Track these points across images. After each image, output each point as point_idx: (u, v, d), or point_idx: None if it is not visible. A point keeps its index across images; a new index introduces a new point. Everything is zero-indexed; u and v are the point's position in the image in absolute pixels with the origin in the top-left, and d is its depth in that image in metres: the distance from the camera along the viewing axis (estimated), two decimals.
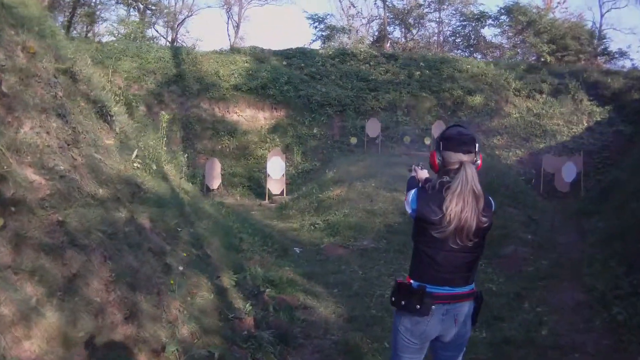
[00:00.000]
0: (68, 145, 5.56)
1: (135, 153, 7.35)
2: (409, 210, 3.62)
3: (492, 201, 3.65)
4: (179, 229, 6.81)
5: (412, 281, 3.59)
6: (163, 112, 11.43)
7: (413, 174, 4.29)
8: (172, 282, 5.30)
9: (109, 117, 7.28)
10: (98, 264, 4.60)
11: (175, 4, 39.95)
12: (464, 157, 3.48)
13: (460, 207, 3.36)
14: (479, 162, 3.57)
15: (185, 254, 6.35)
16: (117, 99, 9.06)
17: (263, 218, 14.68)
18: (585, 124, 22.39)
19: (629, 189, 11.43)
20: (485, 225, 3.50)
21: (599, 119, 22.43)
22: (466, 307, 3.63)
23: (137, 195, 6.42)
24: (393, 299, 3.61)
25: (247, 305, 6.41)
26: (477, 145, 3.57)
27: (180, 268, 5.81)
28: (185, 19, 40.18)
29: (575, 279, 8.95)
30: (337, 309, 7.83)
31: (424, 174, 4.23)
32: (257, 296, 7.13)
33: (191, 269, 6.16)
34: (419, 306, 3.47)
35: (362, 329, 7.05)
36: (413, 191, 3.63)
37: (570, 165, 17.97)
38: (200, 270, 6.38)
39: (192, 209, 8.82)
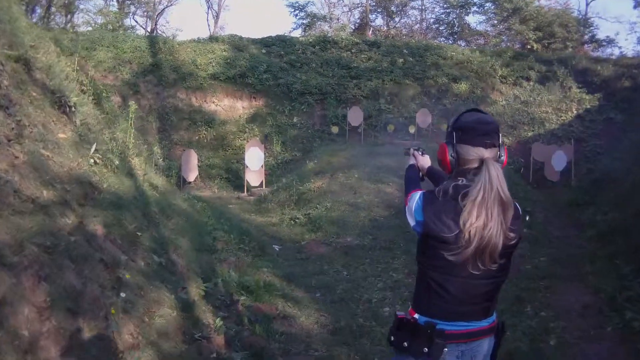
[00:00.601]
0: (9, 140, 4.74)
1: (93, 147, 6.52)
2: (411, 222, 2.76)
3: (519, 208, 2.78)
4: (139, 233, 5.97)
5: (417, 315, 2.73)
6: (132, 102, 10.65)
7: (411, 161, 3.57)
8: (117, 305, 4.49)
9: (68, 109, 6.48)
10: (30, 287, 3.77)
11: None
12: (486, 153, 2.67)
13: (483, 221, 2.51)
14: (503, 157, 2.76)
15: (144, 263, 5.54)
16: (85, 89, 8.55)
17: (241, 212, 13.94)
18: (575, 112, 21.80)
19: (629, 180, 10.77)
20: (514, 242, 2.65)
21: (588, 106, 21.90)
22: (485, 345, 2.80)
23: (90, 197, 5.57)
24: (392, 338, 2.76)
25: (218, 320, 5.59)
26: (500, 136, 2.76)
27: (136, 282, 4.99)
28: (164, 8, 40.12)
29: (578, 278, 8.30)
30: (321, 317, 7.06)
31: (425, 161, 3.60)
32: (230, 307, 6.35)
33: (151, 281, 5.34)
34: (427, 349, 2.63)
35: (348, 342, 6.29)
36: (417, 195, 2.75)
37: (560, 153, 17.44)
38: (162, 282, 5.57)
39: (160, 206, 8.04)
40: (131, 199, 6.72)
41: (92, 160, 6.31)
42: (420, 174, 3.50)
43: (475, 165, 2.68)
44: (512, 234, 2.61)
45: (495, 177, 2.55)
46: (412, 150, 3.65)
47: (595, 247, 9.28)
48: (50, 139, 5.60)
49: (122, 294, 4.64)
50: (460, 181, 2.67)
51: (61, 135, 6.03)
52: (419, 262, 2.80)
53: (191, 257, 7.08)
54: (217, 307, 6.13)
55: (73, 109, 6.63)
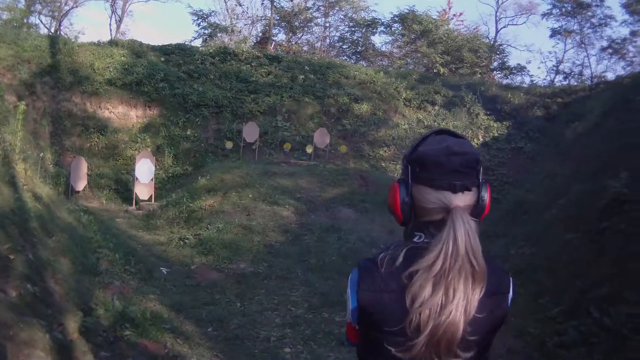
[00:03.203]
0: None
1: None
2: (348, 306, 1.98)
3: (510, 280, 2.01)
4: (12, 257, 5.14)
5: None
6: (21, 103, 9.71)
7: None
8: None
9: None
10: None
11: None
12: (455, 200, 1.86)
13: (441, 301, 1.75)
14: (485, 201, 1.95)
15: (16, 294, 4.72)
16: None
17: (128, 227, 13.10)
18: (481, 139, 21.91)
19: (548, 214, 10.64)
20: (488, 329, 1.88)
21: (496, 134, 22.08)
22: None
23: None
24: None
25: None
26: (480, 170, 1.94)
27: (3, 319, 4.19)
28: (70, 10, 38.94)
29: None
30: (214, 359, 6.39)
31: None
32: (112, 344, 5.58)
33: (23, 317, 4.54)
34: None
35: None
36: (356, 267, 1.98)
37: None
38: (36, 316, 4.77)
39: (42, 221, 7.20)
40: (7, 213, 5.90)
41: None
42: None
43: (439, 216, 1.88)
44: (481, 316, 1.80)
45: (464, 236, 1.77)
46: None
47: (515, 283, 9.02)
48: None
49: None
50: (417, 238, 1.91)
51: None
52: (359, 357, 2.07)
53: (71, 283, 6.27)
54: (99, 345, 5.35)
55: None
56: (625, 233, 7.50)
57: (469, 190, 1.89)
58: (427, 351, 1.77)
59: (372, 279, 1.87)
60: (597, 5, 32.18)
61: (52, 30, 36.33)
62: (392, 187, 2.00)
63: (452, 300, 1.74)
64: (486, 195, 1.95)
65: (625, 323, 5.89)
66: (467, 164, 1.88)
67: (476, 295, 1.78)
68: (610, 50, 33.13)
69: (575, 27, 33.56)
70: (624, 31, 48.62)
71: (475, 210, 1.91)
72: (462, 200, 1.87)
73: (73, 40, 24.94)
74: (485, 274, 1.81)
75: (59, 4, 37.25)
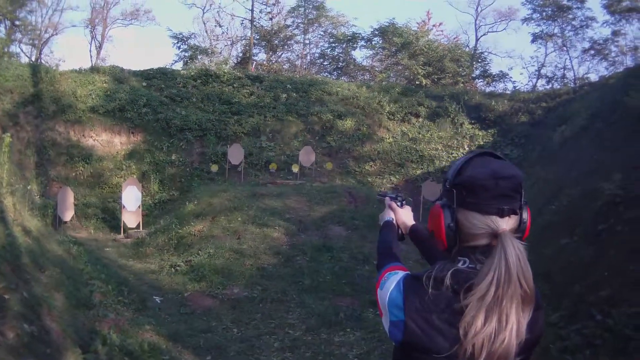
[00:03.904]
0: None
1: None
2: (385, 322, 1.89)
3: (539, 294, 1.89)
4: (7, 296, 5.04)
5: None
6: (6, 134, 9.62)
7: (388, 215, 2.72)
8: None
9: None
10: None
11: (42, 21, 38.59)
12: (502, 224, 1.82)
13: (494, 328, 1.70)
14: (526, 223, 1.91)
15: (13, 335, 4.63)
16: None
17: (118, 256, 12.94)
18: (467, 148, 21.84)
19: (540, 220, 10.62)
20: (530, 346, 1.84)
21: (481, 142, 22.04)
22: None
23: None
24: None
25: None
26: (523, 194, 1.91)
27: None
28: (50, 37, 39.45)
29: None
30: None
31: (407, 216, 2.75)
32: None
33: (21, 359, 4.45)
34: None
35: None
36: (396, 279, 1.92)
37: None
38: (36, 357, 4.67)
39: (33, 256, 7.11)
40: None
41: None
42: (400, 232, 2.70)
43: (485, 241, 1.84)
44: (529, 336, 1.78)
45: (515, 261, 1.72)
46: (387, 199, 2.82)
47: None
48: None
49: None
50: (461, 263, 1.85)
51: None
52: None
53: (67, 319, 6.16)
54: None
55: None
56: (622, 234, 7.53)
57: (516, 214, 1.86)
58: None
59: (419, 297, 1.80)
60: (577, 8, 32.63)
61: (33, 58, 36.65)
62: (435, 212, 1.96)
63: (506, 327, 1.70)
64: (527, 217, 1.91)
65: (627, 324, 5.91)
66: (514, 188, 1.86)
67: (526, 317, 1.76)
68: (592, 52, 33.52)
69: (556, 31, 34.00)
70: (606, 32, 49.44)
71: (516, 232, 1.85)
72: (508, 224, 1.84)
73: (54, 68, 24.92)
74: (535, 296, 1.79)
75: (39, 32, 37.55)
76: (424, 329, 1.76)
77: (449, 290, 1.76)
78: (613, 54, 33.04)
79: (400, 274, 1.94)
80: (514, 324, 1.71)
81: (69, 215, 16.05)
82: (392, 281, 1.91)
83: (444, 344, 1.74)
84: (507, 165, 1.91)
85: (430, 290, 1.78)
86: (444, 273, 1.79)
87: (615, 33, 32.13)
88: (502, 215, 1.82)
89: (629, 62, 29.64)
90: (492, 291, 1.70)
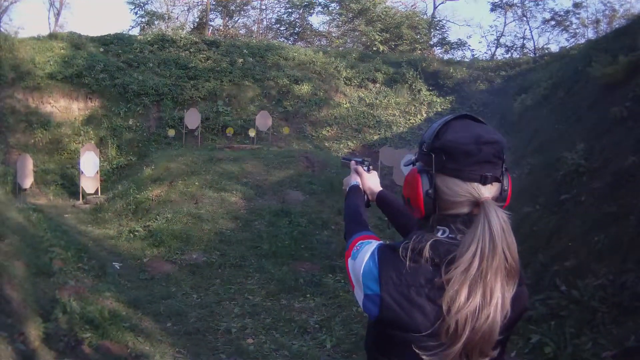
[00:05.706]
0: None
1: None
2: (358, 294, 1.76)
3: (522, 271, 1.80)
4: None
5: None
6: None
7: (354, 180, 2.59)
8: None
9: None
10: None
11: None
12: (485, 192, 1.70)
13: (478, 303, 1.60)
14: (507, 192, 1.79)
15: None
16: None
17: (77, 223, 12.85)
18: (425, 115, 21.95)
19: None
20: (513, 322, 1.78)
21: (439, 109, 22.08)
22: None
23: None
24: None
25: None
26: (505, 160, 1.77)
27: None
28: (9, 5, 37.84)
29: None
30: (177, 355, 6.39)
31: (374, 181, 2.62)
32: (75, 349, 5.53)
33: None
34: None
35: None
36: (370, 249, 1.77)
37: (409, 157, 17.49)
38: None
39: None
40: None
41: None
42: (366, 198, 2.55)
43: (466, 209, 1.72)
44: (512, 313, 1.69)
45: (500, 231, 1.62)
46: (353, 163, 2.70)
47: None
48: None
49: None
50: (440, 233, 1.72)
51: None
52: (368, 353, 1.87)
53: (28, 287, 6.16)
54: (61, 352, 5.30)
55: None
56: (586, 205, 7.53)
57: (499, 181, 1.74)
58: (459, 353, 1.63)
59: (396, 271, 1.66)
60: None
61: None
62: (411, 178, 1.82)
63: (490, 302, 1.60)
64: (507, 185, 1.79)
65: (593, 295, 5.79)
66: (497, 154, 1.72)
67: (510, 292, 1.67)
68: (553, 23, 33.36)
69: (516, 1, 33.78)
70: (567, 3, 49.42)
71: (497, 201, 1.73)
72: (491, 192, 1.72)
73: (13, 35, 24.35)
74: (519, 269, 1.71)
75: None
76: (402, 305, 1.63)
77: (429, 262, 1.64)
78: (574, 26, 33.12)
79: (374, 243, 1.79)
80: (499, 299, 1.61)
81: (28, 182, 15.86)
82: (365, 251, 1.77)
83: (424, 322, 1.62)
84: (489, 129, 1.77)
85: (408, 262, 1.65)
86: (422, 244, 1.65)
87: (576, 5, 32.13)
88: (484, 183, 1.69)
89: (590, 34, 29.68)
90: (475, 264, 1.59)
